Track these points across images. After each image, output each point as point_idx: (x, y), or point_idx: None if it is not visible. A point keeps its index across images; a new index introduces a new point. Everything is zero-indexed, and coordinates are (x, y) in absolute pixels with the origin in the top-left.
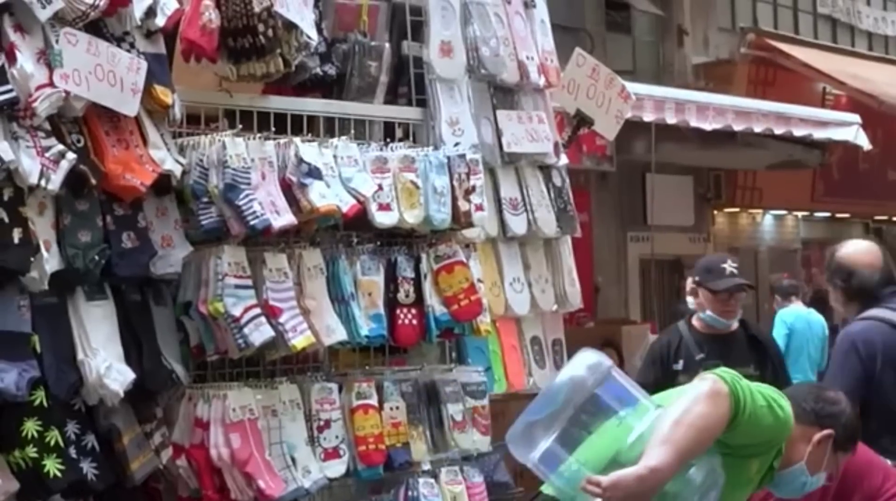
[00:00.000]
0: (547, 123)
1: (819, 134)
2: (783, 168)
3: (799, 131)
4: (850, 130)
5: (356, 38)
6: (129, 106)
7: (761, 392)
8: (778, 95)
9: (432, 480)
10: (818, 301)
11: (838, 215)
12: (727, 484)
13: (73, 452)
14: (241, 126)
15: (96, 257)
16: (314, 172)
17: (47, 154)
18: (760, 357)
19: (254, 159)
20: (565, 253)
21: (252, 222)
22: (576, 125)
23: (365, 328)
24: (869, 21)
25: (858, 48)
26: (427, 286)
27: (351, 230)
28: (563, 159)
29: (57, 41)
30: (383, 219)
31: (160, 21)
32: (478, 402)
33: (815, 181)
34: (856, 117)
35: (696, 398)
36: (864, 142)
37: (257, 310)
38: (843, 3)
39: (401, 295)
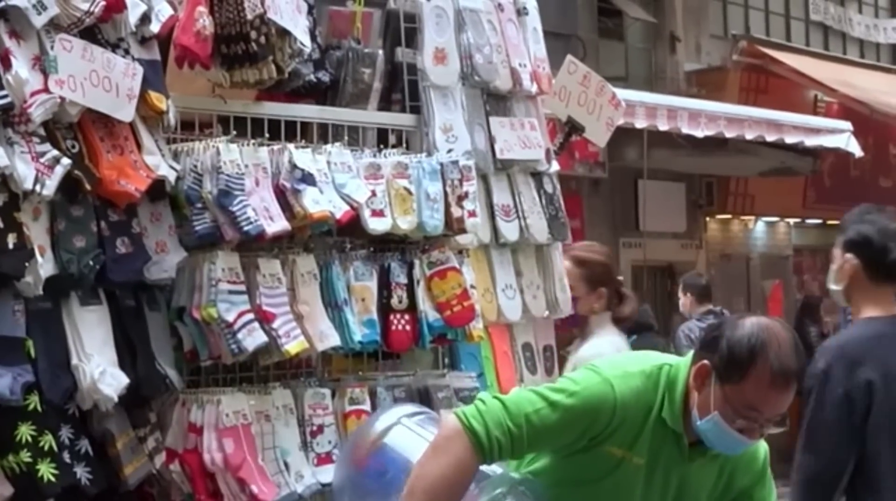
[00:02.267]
0: (539, 129)
1: (811, 141)
2: (775, 175)
3: (791, 138)
4: (842, 138)
5: (350, 45)
6: (125, 112)
7: (533, 395)
8: (770, 102)
9: None
10: (807, 308)
11: (830, 222)
12: (588, 480)
13: (66, 457)
14: (234, 132)
15: (91, 263)
16: (308, 179)
17: (42, 160)
18: None
19: (248, 165)
20: (556, 259)
21: (246, 228)
22: (567, 132)
23: (358, 333)
24: (860, 28)
25: (850, 55)
26: (420, 292)
27: (344, 236)
28: (555, 166)
29: (52, 47)
30: (376, 225)
31: (154, 27)
32: None
33: (807, 188)
34: (847, 125)
35: (427, 454)
36: (855, 149)
37: (251, 315)
38: (834, 11)
39: (394, 301)
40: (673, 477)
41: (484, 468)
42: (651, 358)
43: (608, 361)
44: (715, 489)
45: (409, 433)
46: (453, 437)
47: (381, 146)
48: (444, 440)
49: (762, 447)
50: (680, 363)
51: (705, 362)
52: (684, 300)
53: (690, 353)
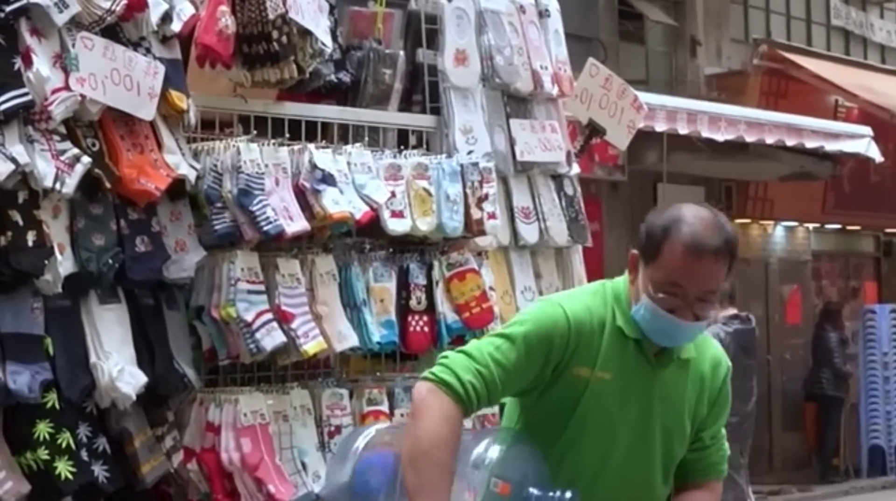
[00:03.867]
0: (560, 132)
1: (831, 146)
2: (794, 180)
3: (811, 143)
4: (862, 143)
5: (371, 46)
6: (146, 110)
7: (490, 337)
8: (790, 106)
9: None
10: (829, 314)
11: (849, 228)
12: (563, 404)
13: (84, 454)
14: (255, 132)
15: (110, 261)
16: (328, 179)
17: (62, 158)
18: None
19: (268, 165)
20: (576, 262)
21: (265, 228)
22: (588, 135)
23: (376, 334)
24: (882, 34)
25: (871, 61)
26: (439, 294)
27: (364, 237)
28: (575, 169)
29: (73, 45)
30: (396, 226)
31: (176, 27)
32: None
33: (826, 193)
34: (868, 130)
35: (410, 422)
36: (875, 154)
37: (269, 315)
38: (856, 16)
39: (413, 302)
40: (646, 388)
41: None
42: (595, 283)
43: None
44: (691, 402)
45: (386, 436)
46: (428, 396)
47: (402, 147)
48: (420, 402)
49: (725, 363)
50: (622, 277)
51: (634, 251)
52: None
53: None
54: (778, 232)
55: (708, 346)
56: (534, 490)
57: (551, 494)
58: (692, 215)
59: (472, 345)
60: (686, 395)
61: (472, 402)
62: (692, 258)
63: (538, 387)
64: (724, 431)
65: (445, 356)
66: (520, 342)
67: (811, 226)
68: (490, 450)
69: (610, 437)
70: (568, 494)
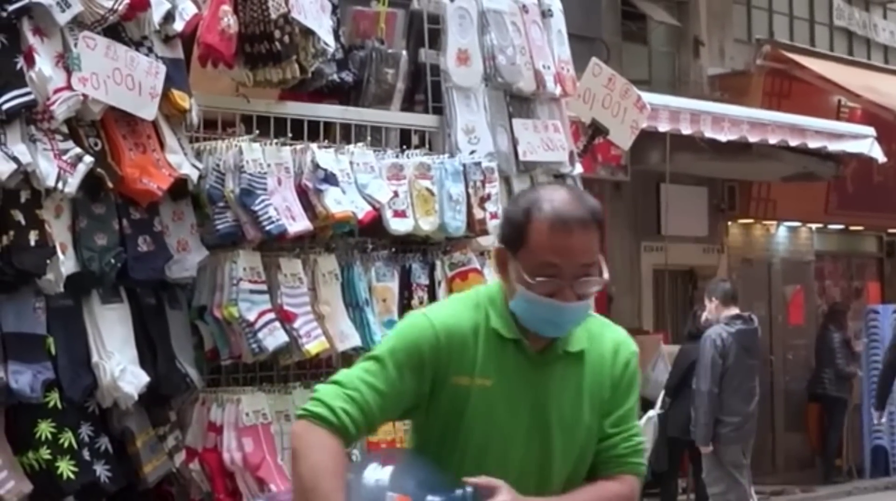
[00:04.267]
0: (562, 132)
1: (834, 146)
2: (797, 180)
3: (814, 143)
4: (865, 143)
5: (373, 46)
6: (147, 110)
7: (358, 362)
8: (793, 106)
9: None
10: (833, 314)
11: (852, 228)
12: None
13: (86, 454)
14: (257, 132)
15: (112, 261)
16: (330, 179)
17: (65, 157)
18: None
19: (270, 165)
20: None
21: (267, 228)
22: (591, 135)
23: (379, 333)
24: (885, 34)
25: (874, 61)
26: (441, 293)
27: (366, 237)
28: (578, 168)
29: (75, 45)
30: (398, 226)
31: (178, 26)
32: None
33: (830, 194)
34: (871, 130)
35: (293, 465)
36: (878, 155)
37: (272, 315)
38: (859, 16)
39: (415, 302)
40: (534, 389)
41: None
42: (467, 291)
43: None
44: (593, 394)
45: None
46: (304, 433)
47: (404, 147)
48: (298, 441)
49: (627, 347)
50: (493, 282)
51: (499, 245)
52: (710, 306)
53: None
54: (781, 232)
55: (608, 334)
56: (433, 497)
57: (451, 495)
58: (549, 193)
59: (342, 373)
60: (585, 388)
61: (349, 429)
62: (561, 233)
63: (421, 404)
64: (635, 422)
65: (316, 390)
66: (387, 359)
67: (814, 226)
68: (380, 471)
69: (503, 444)
70: (468, 489)
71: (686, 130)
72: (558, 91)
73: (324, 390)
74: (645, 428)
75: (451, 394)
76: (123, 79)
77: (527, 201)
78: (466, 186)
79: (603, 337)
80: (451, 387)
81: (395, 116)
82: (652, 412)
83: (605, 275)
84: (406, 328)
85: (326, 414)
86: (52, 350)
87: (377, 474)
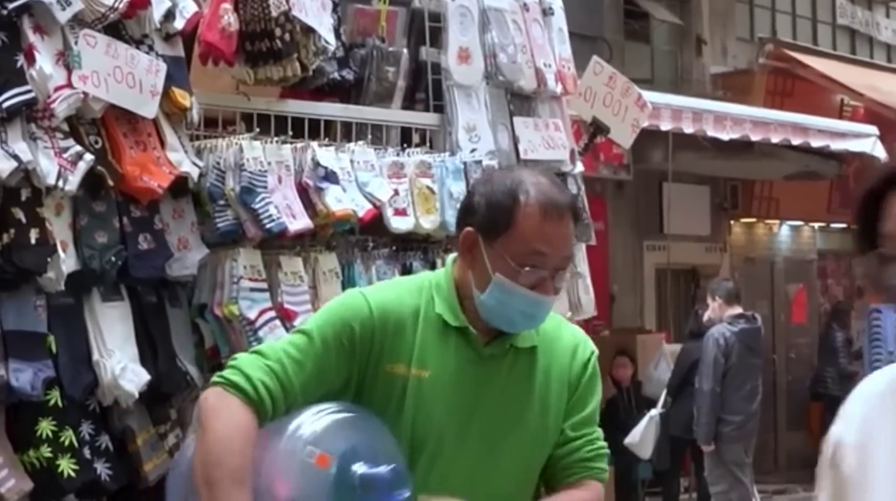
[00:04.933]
0: (563, 130)
1: (836, 145)
2: (800, 179)
3: (816, 142)
4: (868, 142)
5: (374, 44)
6: (148, 108)
7: (287, 334)
8: (796, 105)
9: None
10: (837, 313)
11: (854, 227)
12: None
13: (87, 452)
14: (258, 130)
15: (112, 259)
16: (331, 177)
17: (65, 155)
18: None
19: (270, 163)
20: (580, 261)
21: (268, 226)
22: (592, 133)
23: None
24: (888, 33)
25: (877, 60)
26: None
27: (367, 235)
28: (579, 167)
29: (76, 43)
30: (399, 224)
31: (178, 24)
32: None
33: (832, 192)
34: (873, 129)
35: (199, 434)
36: (881, 153)
37: (272, 313)
38: (861, 15)
39: None
40: (478, 384)
41: None
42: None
43: None
44: (543, 394)
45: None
46: (216, 401)
47: (405, 145)
48: (208, 409)
49: (586, 347)
50: (441, 270)
51: (468, 229)
52: (713, 305)
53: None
54: (783, 231)
55: (565, 332)
56: (360, 467)
57: (378, 471)
58: (533, 177)
59: (266, 344)
60: (535, 388)
61: (266, 403)
62: (553, 220)
63: (349, 388)
64: (597, 427)
65: (235, 358)
66: (315, 334)
67: (817, 225)
68: (314, 422)
69: (441, 442)
70: (392, 466)
71: (688, 128)
72: (559, 89)
73: (244, 358)
74: (647, 427)
75: (385, 383)
76: (124, 77)
77: (512, 182)
78: (467, 185)
79: (559, 336)
80: (385, 375)
81: (395, 115)
82: (654, 412)
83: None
84: (339, 305)
85: (243, 384)
86: (53, 348)
87: (309, 426)
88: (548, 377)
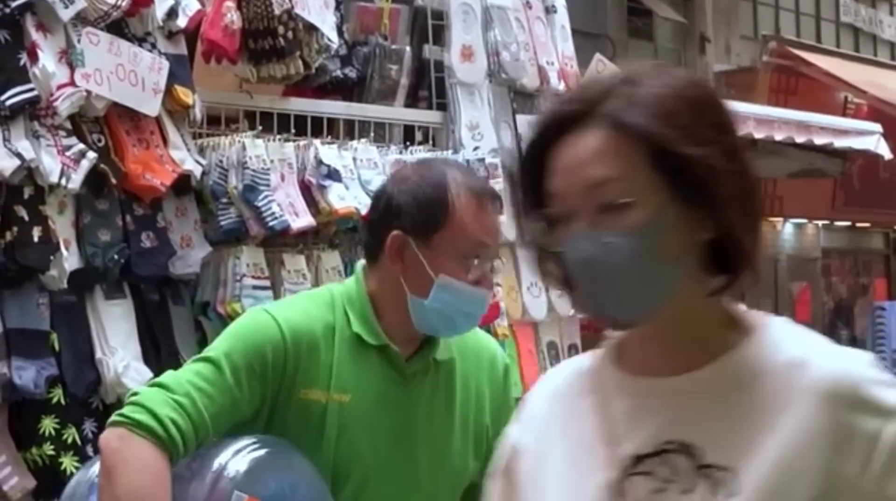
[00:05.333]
0: None
1: (840, 143)
2: (804, 177)
3: (820, 140)
4: (872, 140)
5: (377, 42)
6: (150, 106)
7: (189, 363)
8: (799, 103)
9: None
10: (841, 310)
11: (859, 225)
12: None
13: (89, 450)
14: (261, 128)
15: (115, 257)
16: (333, 174)
17: (68, 153)
18: None
19: (273, 161)
20: None
21: (271, 224)
22: None
23: None
24: (891, 31)
25: (881, 57)
26: None
27: None
28: None
29: (79, 41)
30: None
31: (181, 22)
32: None
33: (836, 190)
34: (877, 127)
35: (102, 484)
36: (885, 151)
37: None
38: (865, 13)
39: None
40: (402, 406)
41: None
42: (316, 289)
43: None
44: (465, 410)
45: None
46: (121, 445)
47: (408, 143)
48: (112, 454)
49: (503, 356)
50: (347, 281)
51: (395, 233)
52: None
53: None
54: (787, 229)
55: (480, 341)
56: None
57: None
58: (452, 168)
59: (168, 375)
60: (456, 406)
61: (177, 442)
62: (486, 209)
63: (260, 417)
64: None
65: (135, 393)
66: (223, 362)
67: (821, 223)
68: (236, 460)
69: (365, 474)
70: None
71: None
72: (562, 87)
73: (146, 394)
74: None
75: (299, 410)
76: (127, 75)
77: (436, 175)
78: None
79: (476, 345)
80: (299, 402)
81: (398, 112)
82: None
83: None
84: (248, 328)
85: (150, 423)
86: (56, 346)
87: (233, 467)
88: (467, 390)
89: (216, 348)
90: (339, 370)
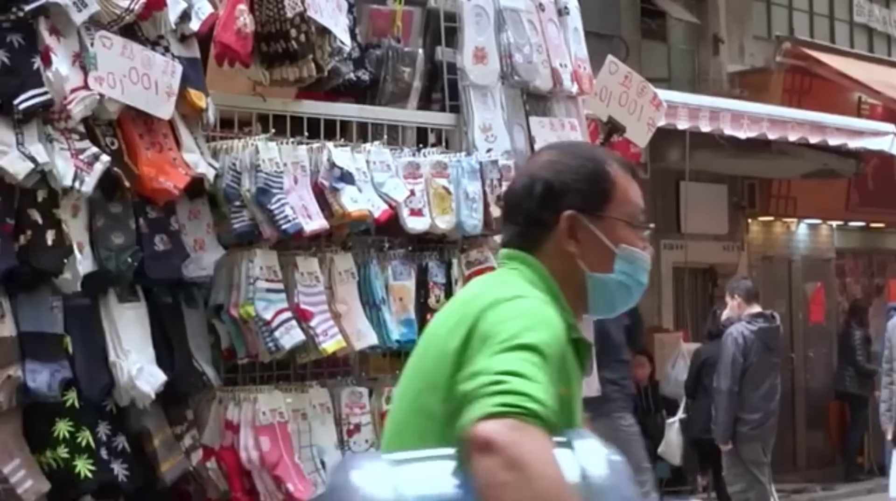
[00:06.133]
0: (579, 130)
1: (854, 143)
2: (818, 177)
3: (834, 140)
4: (886, 140)
5: (390, 44)
6: (164, 109)
7: (516, 352)
8: (813, 103)
9: None
10: (855, 311)
11: (873, 225)
12: None
13: (104, 453)
14: (274, 130)
15: (129, 260)
16: (346, 177)
17: (81, 156)
18: None
19: (286, 164)
20: None
21: (284, 226)
22: (608, 132)
23: (396, 332)
24: None
25: (895, 57)
26: (458, 292)
27: (383, 235)
28: None
29: (92, 44)
30: (415, 224)
31: (194, 25)
32: None
33: (850, 191)
34: (891, 127)
35: (511, 482)
36: None
37: (288, 314)
38: (879, 13)
39: (432, 300)
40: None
41: None
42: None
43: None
44: None
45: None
46: (524, 437)
47: (421, 145)
48: (517, 446)
49: None
50: (513, 272)
51: (568, 213)
52: (732, 304)
53: (505, 254)
54: (801, 230)
55: None
56: None
57: None
58: (584, 143)
59: (513, 361)
60: None
61: (554, 428)
62: (636, 176)
63: None
64: None
65: (500, 381)
66: (545, 351)
67: (835, 224)
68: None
69: None
70: None
71: (705, 127)
72: (575, 89)
73: (518, 382)
74: (673, 435)
75: (560, 406)
76: (140, 78)
77: (585, 151)
78: (483, 185)
79: None
80: (559, 398)
81: (411, 115)
82: (675, 418)
83: None
84: (546, 319)
85: (540, 410)
86: (70, 349)
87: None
88: None
89: (533, 337)
90: (568, 364)
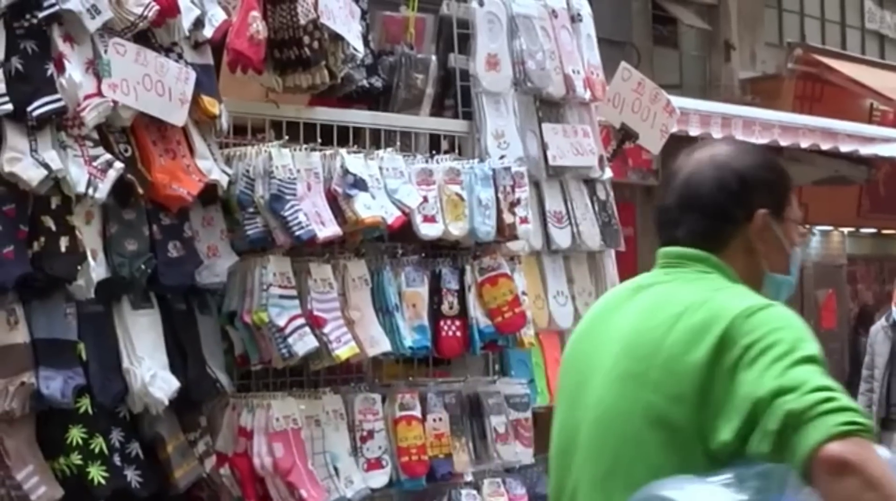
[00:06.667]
0: (592, 136)
1: (866, 150)
2: (829, 184)
3: (845, 147)
4: None
5: (403, 51)
6: (177, 116)
7: (803, 366)
8: (825, 110)
9: (475, 491)
10: (864, 316)
11: (884, 232)
12: None
13: (117, 459)
14: (287, 137)
15: (142, 266)
16: (360, 184)
17: (95, 163)
18: None
19: (300, 170)
20: (609, 266)
21: (297, 233)
22: (621, 139)
23: (409, 339)
24: None
25: None
26: (471, 298)
27: (396, 242)
28: (608, 173)
29: (105, 51)
30: (428, 231)
31: (208, 32)
32: (521, 414)
33: (862, 197)
34: None
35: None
36: None
37: (301, 320)
38: (890, 19)
39: (445, 307)
40: None
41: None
42: (723, 282)
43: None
44: None
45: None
46: (871, 455)
47: (434, 152)
48: (872, 465)
49: None
50: (716, 274)
51: (762, 211)
52: None
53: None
54: (813, 236)
55: None
56: None
57: None
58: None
59: (815, 377)
60: None
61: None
62: None
63: None
64: None
65: (831, 399)
66: (822, 363)
67: (846, 230)
68: None
69: None
70: None
71: (717, 134)
72: (588, 96)
73: (842, 398)
74: None
75: None
76: (153, 85)
77: (759, 159)
78: (496, 191)
79: None
80: None
81: (424, 121)
82: None
83: None
84: (802, 326)
85: (870, 425)
86: (83, 356)
87: None
88: None
89: (806, 349)
90: None
